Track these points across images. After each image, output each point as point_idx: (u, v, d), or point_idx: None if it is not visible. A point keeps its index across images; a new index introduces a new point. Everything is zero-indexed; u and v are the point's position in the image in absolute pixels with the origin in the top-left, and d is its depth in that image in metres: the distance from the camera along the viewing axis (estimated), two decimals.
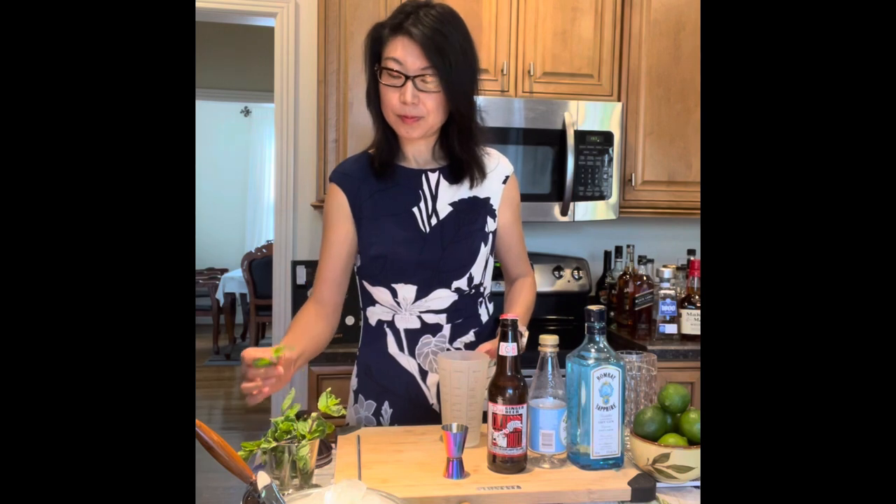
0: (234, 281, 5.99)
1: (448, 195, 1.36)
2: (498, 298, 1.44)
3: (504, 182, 1.40)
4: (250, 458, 1.01)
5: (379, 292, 1.35)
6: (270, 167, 7.21)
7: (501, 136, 2.33)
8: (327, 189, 1.40)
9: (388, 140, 1.34)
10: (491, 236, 1.38)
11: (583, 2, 2.42)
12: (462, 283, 1.35)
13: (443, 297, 1.34)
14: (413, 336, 1.36)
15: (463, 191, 1.37)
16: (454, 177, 1.36)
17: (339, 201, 1.36)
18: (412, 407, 1.36)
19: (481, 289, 1.38)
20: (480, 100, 2.37)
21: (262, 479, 0.87)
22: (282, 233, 2.75)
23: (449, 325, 1.36)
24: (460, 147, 1.34)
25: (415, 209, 1.34)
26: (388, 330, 1.38)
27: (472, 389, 1.17)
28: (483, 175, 1.37)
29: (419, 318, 1.35)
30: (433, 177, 1.36)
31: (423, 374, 1.36)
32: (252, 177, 7.69)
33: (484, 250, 1.36)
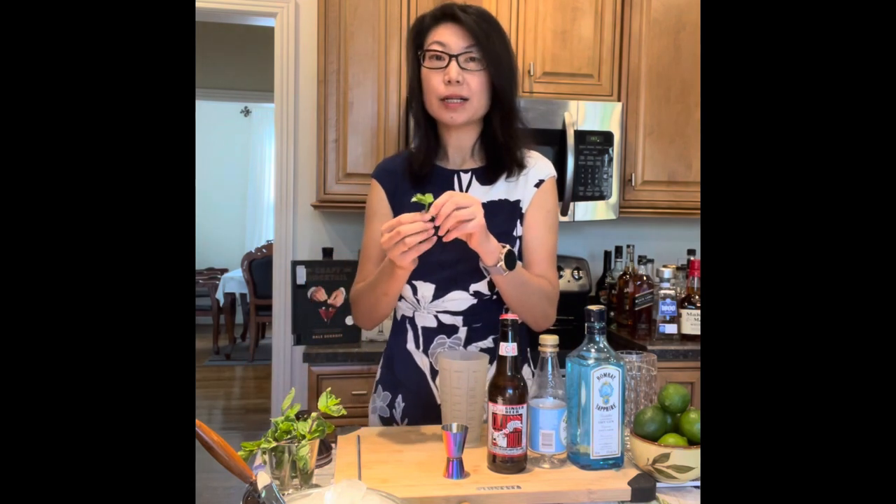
0: (234, 281, 5.99)
1: (478, 196, 1.34)
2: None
3: (537, 185, 1.37)
4: (250, 458, 1.01)
5: (403, 287, 1.36)
6: (270, 167, 7.22)
7: None
8: (371, 184, 1.44)
9: (429, 141, 1.36)
10: (518, 241, 1.36)
11: (583, 2, 2.42)
12: (482, 287, 1.33)
13: (460, 300, 1.34)
14: (429, 334, 1.37)
15: (494, 193, 1.36)
16: (488, 178, 1.36)
17: (379, 196, 1.40)
18: (421, 405, 1.37)
19: None
20: None
21: (262, 479, 0.87)
22: (282, 233, 2.75)
23: (465, 328, 1.35)
24: (503, 132, 1.34)
25: None
26: (408, 326, 1.39)
27: (472, 389, 1.17)
28: (521, 168, 1.36)
29: (436, 317, 1.36)
30: (465, 177, 1.37)
31: (434, 373, 1.36)
32: (252, 177, 7.70)
33: None
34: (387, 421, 1.40)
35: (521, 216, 1.37)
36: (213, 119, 7.38)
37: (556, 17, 2.41)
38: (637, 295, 2.35)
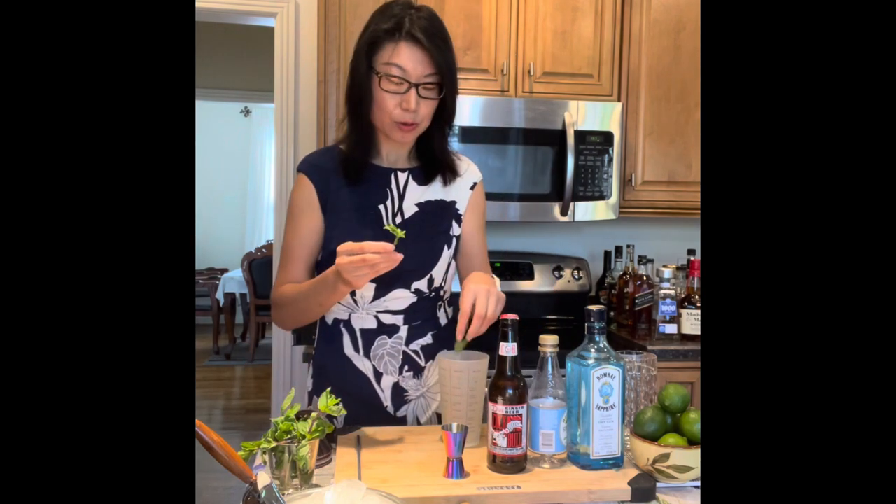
0: (234, 281, 5.99)
1: (415, 195, 1.36)
2: (458, 302, 1.40)
3: (472, 188, 1.41)
4: (250, 458, 1.01)
5: None
6: (270, 167, 7.21)
7: (501, 136, 2.33)
8: (296, 179, 1.39)
9: (363, 139, 1.32)
10: (455, 240, 1.38)
11: (583, 2, 2.42)
12: (422, 285, 1.33)
13: (401, 298, 1.33)
14: (369, 336, 1.35)
15: (430, 192, 1.37)
16: (424, 178, 1.37)
17: (308, 193, 1.35)
18: (366, 410, 1.33)
19: (441, 292, 1.38)
20: (480, 100, 2.38)
21: (262, 479, 0.87)
22: (282, 233, 2.75)
23: (406, 327, 1.34)
24: (441, 148, 1.35)
25: (381, 206, 1.34)
26: (343, 329, 1.36)
27: (472, 389, 1.17)
28: (455, 175, 1.38)
29: (376, 317, 1.34)
30: (402, 176, 1.36)
31: (378, 376, 1.35)
32: (252, 177, 7.70)
33: (447, 253, 1.36)
34: None
35: (456, 216, 1.38)
36: (213, 119, 7.38)
37: (556, 17, 2.41)
38: (637, 295, 2.35)
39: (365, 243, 1.11)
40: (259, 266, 5.55)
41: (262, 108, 7.43)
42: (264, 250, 5.62)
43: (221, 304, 6.06)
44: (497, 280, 1.32)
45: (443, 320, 1.40)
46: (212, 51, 5.94)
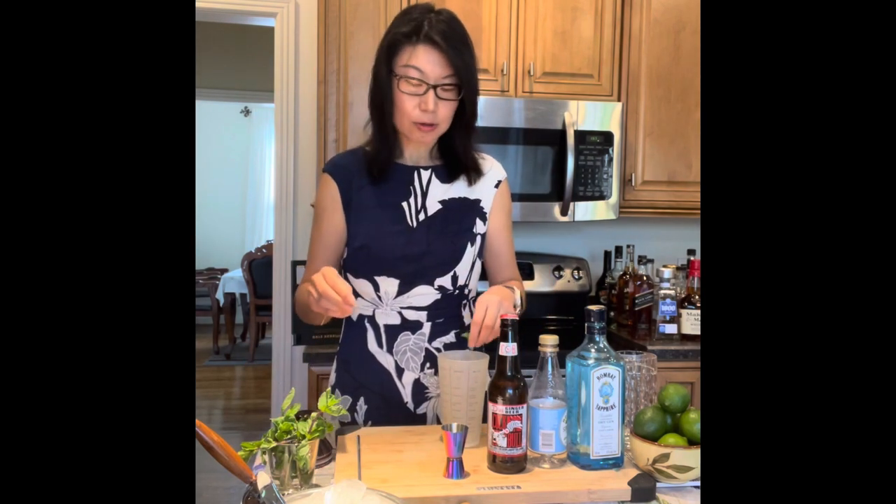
0: (234, 281, 5.99)
1: (439, 193, 1.37)
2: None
3: (496, 186, 1.42)
4: (250, 458, 1.01)
5: (361, 285, 1.35)
6: (270, 167, 7.21)
7: (501, 136, 2.33)
8: (321, 180, 1.42)
9: (387, 142, 1.34)
10: (479, 238, 1.38)
11: (583, 2, 2.42)
12: (445, 282, 1.34)
13: (425, 294, 1.34)
14: (392, 332, 1.36)
15: (454, 190, 1.38)
16: (447, 176, 1.38)
17: (331, 192, 1.37)
18: (386, 405, 1.36)
19: (466, 290, 1.38)
20: (480, 100, 2.38)
21: (262, 479, 0.87)
22: (282, 233, 2.75)
23: (429, 324, 1.35)
24: (464, 148, 1.36)
25: (404, 203, 1.36)
26: (368, 325, 1.38)
27: (472, 389, 1.17)
28: (479, 174, 1.39)
29: (399, 313, 1.35)
30: (425, 174, 1.38)
31: (400, 371, 1.36)
32: (252, 177, 7.70)
33: (470, 250, 1.36)
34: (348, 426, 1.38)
35: (480, 214, 1.39)
36: (213, 119, 7.37)
37: (556, 17, 2.41)
38: (637, 295, 2.35)
39: (336, 282, 1.13)
40: (259, 266, 5.55)
41: (262, 108, 7.43)
42: (264, 250, 5.62)
43: (221, 304, 6.06)
44: (518, 290, 1.34)
45: (467, 319, 1.40)
46: (212, 51, 5.93)
